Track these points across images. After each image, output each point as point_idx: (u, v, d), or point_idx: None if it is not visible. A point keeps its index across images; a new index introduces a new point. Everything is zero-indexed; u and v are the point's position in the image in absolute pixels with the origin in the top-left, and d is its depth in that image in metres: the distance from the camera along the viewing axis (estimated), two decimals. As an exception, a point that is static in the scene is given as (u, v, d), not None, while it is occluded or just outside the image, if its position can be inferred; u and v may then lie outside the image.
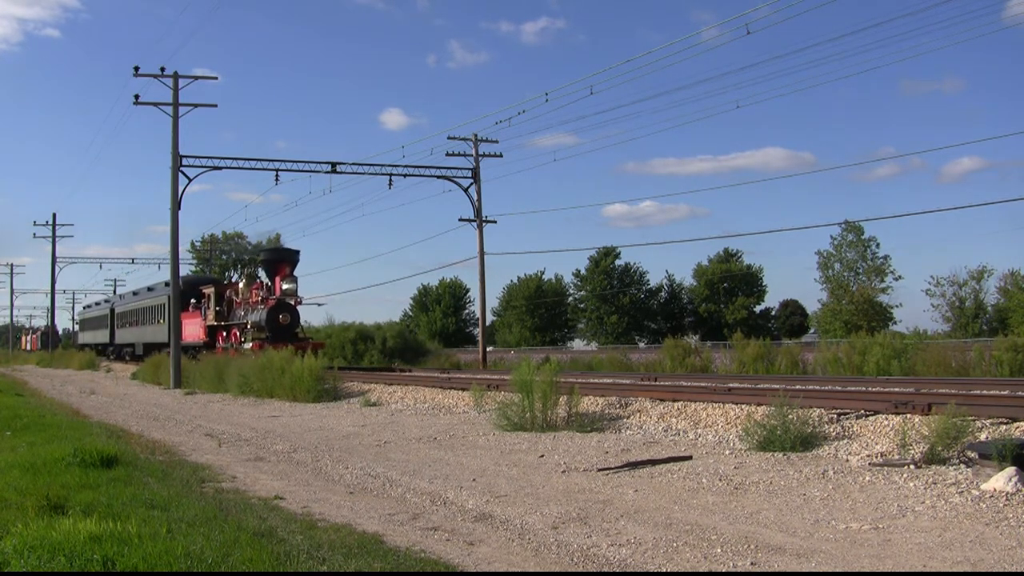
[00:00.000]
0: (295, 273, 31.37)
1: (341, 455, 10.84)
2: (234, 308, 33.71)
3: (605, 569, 5.47)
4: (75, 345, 72.55)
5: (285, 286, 30.67)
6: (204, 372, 26.17)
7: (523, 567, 5.58)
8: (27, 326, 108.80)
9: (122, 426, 14.84)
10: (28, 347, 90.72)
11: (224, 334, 34.05)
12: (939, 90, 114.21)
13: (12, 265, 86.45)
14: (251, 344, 29.45)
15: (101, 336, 58.53)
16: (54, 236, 63.17)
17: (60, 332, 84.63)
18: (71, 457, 9.32)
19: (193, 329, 36.49)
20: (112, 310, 55.43)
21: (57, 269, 64.58)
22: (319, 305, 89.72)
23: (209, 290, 35.45)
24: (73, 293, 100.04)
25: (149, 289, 47.07)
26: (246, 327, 31.29)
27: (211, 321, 34.67)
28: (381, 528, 6.61)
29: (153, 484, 8.31)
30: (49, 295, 68.29)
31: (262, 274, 35.44)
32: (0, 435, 12.71)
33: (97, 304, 67.98)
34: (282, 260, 31.45)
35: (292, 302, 30.78)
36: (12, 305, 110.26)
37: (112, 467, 9.11)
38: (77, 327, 77.45)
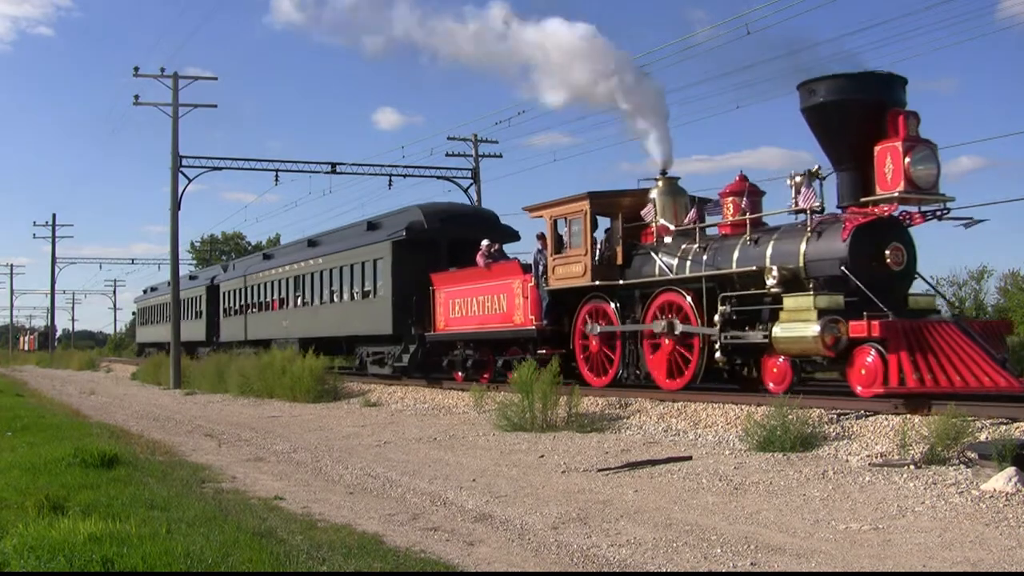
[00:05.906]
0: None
1: (341, 455, 10.84)
2: (639, 247, 14.51)
3: (605, 569, 5.47)
4: (136, 345, 53.74)
5: (918, 168, 10.88)
6: (204, 372, 26.16)
7: (523, 567, 5.58)
8: (27, 326, 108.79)
9: (122, 426, 14.84)
10: (26, 347, 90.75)
11: (617, 306, 14.26)
12: (936, 90, 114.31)
13: (12, 265, 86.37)
14: (812, 328, 10.57)
15: (190, 330, 35.29)
16: (54, 236, 63.05)
17: (59, 332, 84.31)
18: (71, 457, 9.33)
19: (489, 305, 17.08)
20: (214, 287, 34.63)
21: (57, 269, 64.49)
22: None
23: (565, 210, 15.09)
24: (73, 293, 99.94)
25: (311, 243, 27.58)
26: (722, 285, 12.51)
27: (574, 279, 14.86)
28: (381, 528, 6.61)
29: (153, 484, 8.32)
30: (49, 295, 68.02)
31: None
32: (0, 435, 12.72)
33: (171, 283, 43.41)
34: (880, 103, 11.20)
35: (902, 216, 11.56)
36: (12, 305, 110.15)
37: (112, 467, 9.13)
38: (135, 318, 56.90)
